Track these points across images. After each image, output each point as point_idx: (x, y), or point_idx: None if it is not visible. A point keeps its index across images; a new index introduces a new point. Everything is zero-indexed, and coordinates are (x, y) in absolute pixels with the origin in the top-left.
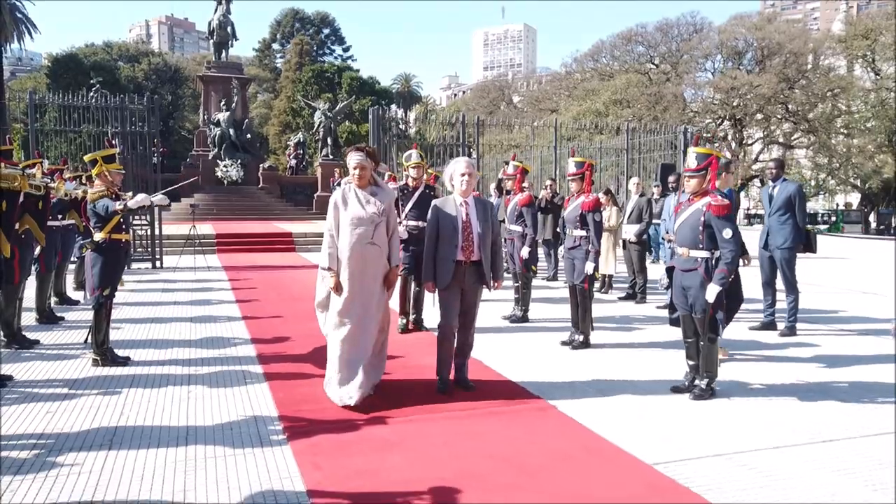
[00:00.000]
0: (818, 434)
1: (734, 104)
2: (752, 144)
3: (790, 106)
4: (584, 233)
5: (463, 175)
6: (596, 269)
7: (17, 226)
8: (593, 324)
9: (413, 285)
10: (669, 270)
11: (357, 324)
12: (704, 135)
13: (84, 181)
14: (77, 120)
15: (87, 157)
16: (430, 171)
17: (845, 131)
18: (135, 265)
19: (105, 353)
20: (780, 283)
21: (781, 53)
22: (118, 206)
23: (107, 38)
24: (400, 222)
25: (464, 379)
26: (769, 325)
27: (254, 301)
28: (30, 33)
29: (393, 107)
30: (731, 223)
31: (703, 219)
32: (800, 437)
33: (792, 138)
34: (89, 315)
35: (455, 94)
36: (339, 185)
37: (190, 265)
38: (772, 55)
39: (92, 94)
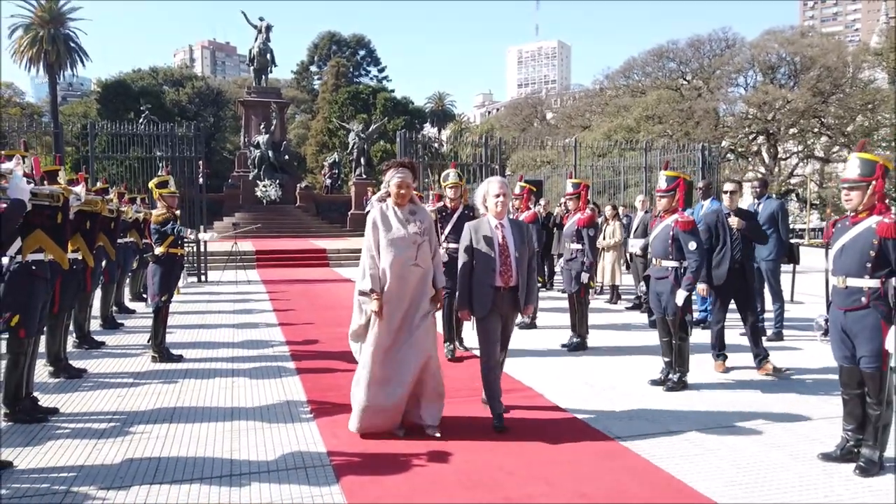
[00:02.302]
0: (765, 418)
1: (767, 118)
2: (787, 159)
3: (825, 120)
4: (580, 246)
5: (497, 196)
6: (590, 278)
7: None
8: (588, 328)
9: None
10: (647, 279)
11: (400, 350)
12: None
13: (139, 203)
14: (126, 144)
15: (151, 184)
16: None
17: (884, 144)
18: (192, 278)
19: (162, 351)
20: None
21: (815, 67)
22: (191, 235)
23: (153, 62)
24: (439, 245)
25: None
26: None
27: (289, 310)
28: (82, 61)
29: (427, 126)
30: (695, 237)
31: (671, 233)
32: (747, 421)
33: (830, 152)
34: (146, 321)
35: (489, 112)
36: (371, 203)
37: (232, 279)
38: (805, 69)
39: (141, 120)
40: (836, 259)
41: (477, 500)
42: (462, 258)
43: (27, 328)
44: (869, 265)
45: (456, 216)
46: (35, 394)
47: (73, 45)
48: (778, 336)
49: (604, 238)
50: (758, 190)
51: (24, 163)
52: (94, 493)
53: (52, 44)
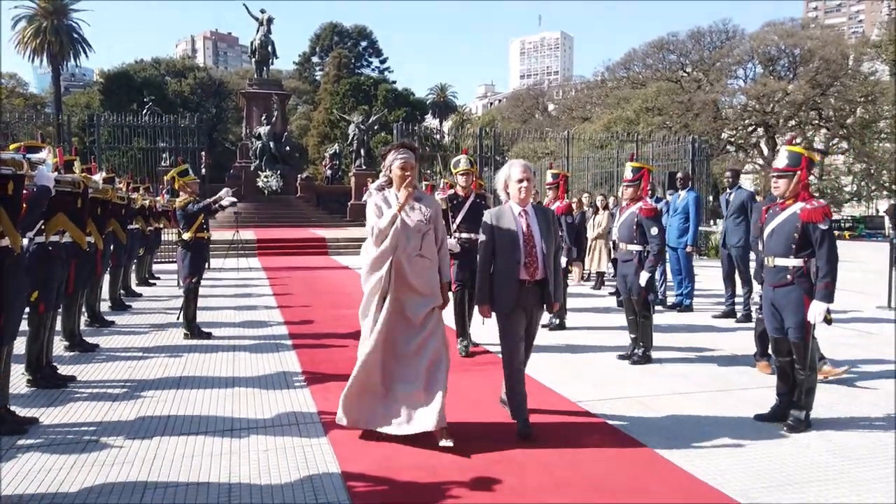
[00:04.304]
0: (710, 386)
1: (766, 111)
2: None
3: (824, 112)
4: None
5: (521, 181)
6: (569, 262)
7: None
8: (567, 310)
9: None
10: (614, 262)
11: (399, 346)
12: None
13: (142, 192)
14: (129, 135)
15: (167, 177)
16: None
17: (884, 135)
18: None
19: (193, 329)
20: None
21: (814, 59)
22: (208, 201)
23: (155, 53)
24: (450, 235)
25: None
26: (729, 314)
27: (288, 294)
28: (85, 52)
29: (428, 117)
30: (657, 222)
31: (636, 220)
32: (694, 388)
33: (830, 144)
34: (152, 304)
35: (490, 104)
36: (370, 193)
37: (234, 266)
38: (805, 62)
39: (145, 111)
40: (766, 241)
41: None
42: (482, 249)
43: (46, 303)
44: (794, 246)
45: (468, 204)
46: (53, 364)
47: (75, 35)
48: (747, 318)
49: (592, 228)
50: (730, 180)
51: (52, 153)
52: (114, 441)
53: (56, 35)
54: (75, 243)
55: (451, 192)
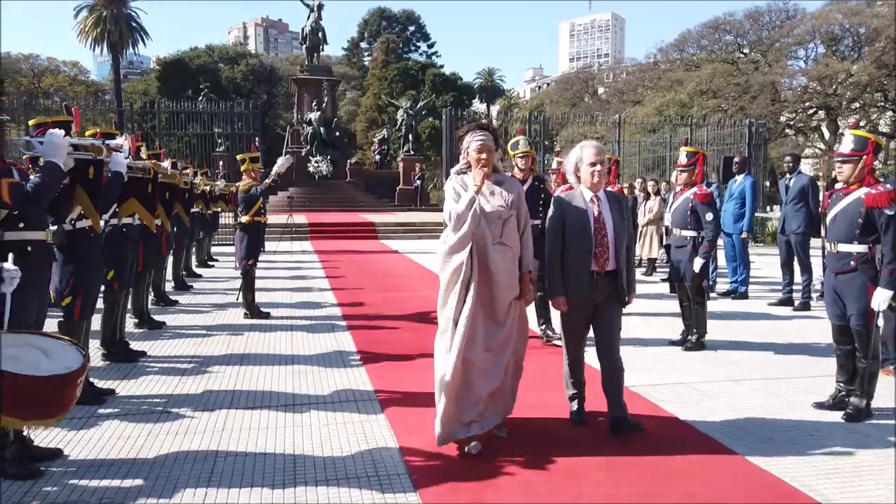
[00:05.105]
0: (766, 373)
1: (828, 93)
2: None
3: (890, 94)
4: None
5: (594, 164)
6: None
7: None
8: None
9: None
10: (667, 248)
11: (479, 343)
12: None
13: (201, 176)
14: (184, 121)
15: (239, 157)
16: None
17: None
18: None
19: (252, 308)
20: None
21: (880, 39)
22: (268, 180)
23: (208, 40)
24: None
25: (624, 418)
26: (786, 302)
27: (340, 277)
28: (143, 40)
29: (475, 102)
30: (712, 208)
31: (690, 205)
32: (750, 375)
33: None
34: (212, 284)
35: (539, 87)
36: (420, 178)
37: (287, 249)
38: (870, 41)
39: (201, 98)
40: (829, 226)
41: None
42: (550, 237)
43: (120, 281)
44: (857, 232)
45: (525, 188)
46: (126, 340)
47: (134, 24)
48: (805, 306)
49: (643, 213)
50: (790, 164)
51: (127, 140)
52: (184, 412)
53: (115, 23)
54: (144, 225)
55: (508, 175)
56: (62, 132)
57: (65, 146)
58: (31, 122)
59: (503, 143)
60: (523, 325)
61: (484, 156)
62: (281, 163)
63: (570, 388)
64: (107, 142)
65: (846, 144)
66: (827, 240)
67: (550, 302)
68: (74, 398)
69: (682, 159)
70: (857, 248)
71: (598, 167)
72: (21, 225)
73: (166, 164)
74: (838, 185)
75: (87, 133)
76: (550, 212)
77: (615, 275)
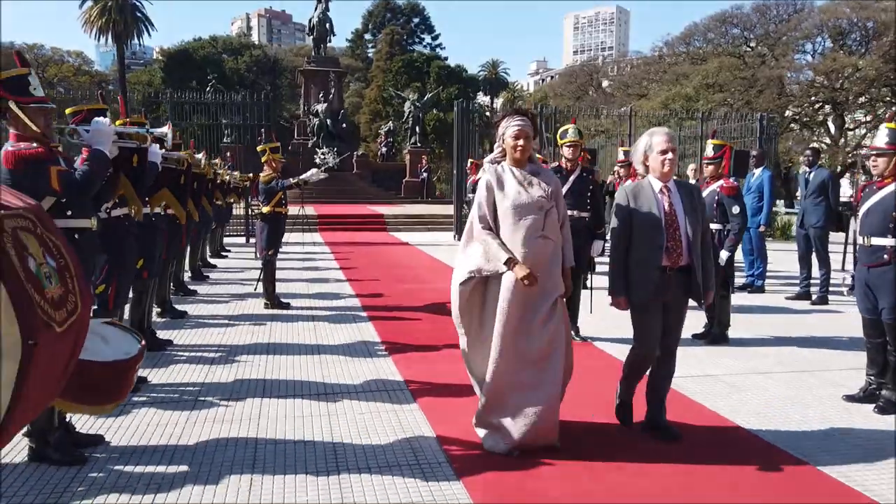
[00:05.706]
0: (792, 366)
1: (835, 87)
2: (855, 129)
3: None
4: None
5: (664, 152)
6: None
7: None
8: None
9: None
10: None
11: (522, 347)
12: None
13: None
14: (189, 112)
15: (259, 148)
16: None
17: None
18: (252, 240)
19: (273, 299)
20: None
21: (888, 33)
22: (293, 180)
23: (211, 31)
24: None
25: (663, 423)
26: (803, 296)
27: (354, 268)
28: (148, 31)
29: (480, 94)
30: (738, 201)
31: (717, 198)
32: (776, 367)
33: None
34: (227, 275)
35: (543, 80)
36: (426, 170)
37: (299, 241)
38: (878, 35)
39: (208, 88)
40: (862, 220)
41: None
42: (617, 231)
43: (150, 270)
44: (891, 225)
45: (573, 179)
46: (153, 329)
47: (139, 14)
48: (822, 300)
49: None
50: (810, 158)
51: (170, 129)
52: (217, 401)
53: (120, 14)
54: (168, 214)
55: (555, 164)
56: (108, 120)
57: (111, 134)
58: (67, 111)
59: (541, 131)
60: (567, 332)
61: (521, 142)
62: (314, 172)
63: (624, 393)
64: (150, 130)
65: (881, 138)
66: (860, 233)
67: (612, 300)
68: (132, 384)
69: (709, 152)
70: (890, 241)
71: (670, 155)
72: (69, 213)
73: (200, 155)
74: (862, 179)
75: (117, 123)
76: (615, 204)
77: (688, 270)
